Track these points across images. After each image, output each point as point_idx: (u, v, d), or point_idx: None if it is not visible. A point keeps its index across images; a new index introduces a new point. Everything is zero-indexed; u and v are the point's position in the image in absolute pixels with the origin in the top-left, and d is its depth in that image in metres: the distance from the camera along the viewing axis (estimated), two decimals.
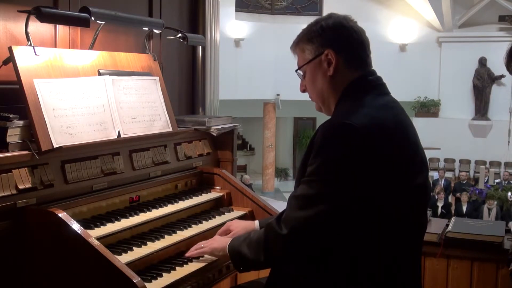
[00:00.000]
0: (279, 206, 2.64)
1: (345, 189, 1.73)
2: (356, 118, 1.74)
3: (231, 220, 2.67)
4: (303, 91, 2.03)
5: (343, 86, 1.90)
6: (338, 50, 1.89)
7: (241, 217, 2.74)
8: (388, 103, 1.89)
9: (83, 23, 2.33)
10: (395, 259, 1.83)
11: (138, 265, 2.07)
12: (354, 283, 1.79)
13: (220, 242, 2.17)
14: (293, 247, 1.82)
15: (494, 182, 12.94)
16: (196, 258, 2.25)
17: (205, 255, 2.25)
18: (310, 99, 2.05)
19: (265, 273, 2.94)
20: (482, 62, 16.44)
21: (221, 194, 2.88)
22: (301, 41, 1.97)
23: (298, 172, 1.91)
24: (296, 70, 2.00)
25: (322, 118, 1.85)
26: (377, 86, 1.92)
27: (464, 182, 13.42)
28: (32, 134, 2.09)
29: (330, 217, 1.75)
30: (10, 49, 2.14)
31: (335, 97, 1.92)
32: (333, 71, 1.89)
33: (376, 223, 1.77)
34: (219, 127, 3.10)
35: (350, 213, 1.75)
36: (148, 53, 2.91)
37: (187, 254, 2.23)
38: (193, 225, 2.50)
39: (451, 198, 12.70)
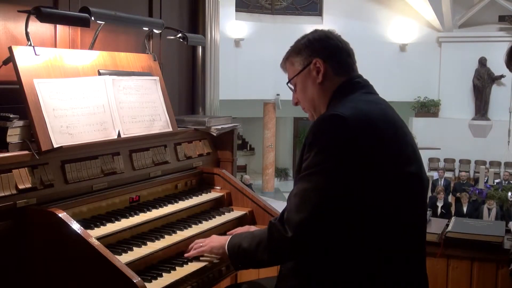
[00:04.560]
0: (279, 206, 2.64)
1: (340, 177, 1.76)
2: (343, 110, 1.82)
3: (231, 220, 2.69)
4: (296, 104, 2.12)
5: (332, 91, 1.99)
6: (325, 58, 2.00)
7: (241, 217, 2.74)
8: (375, 100, 1.98)
9: (83, 23, 2.33)
10: (396, 248, 1.84)
11: (138, 265, 2.07)
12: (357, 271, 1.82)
13: (218, 240, 2.20)
14: (300, 248, 1.84)
15: (494, 182, 12.93)
16: (196, 258, 2.25)
17: (205, 255, 2.25)
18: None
19: (265, 273, 2.94)
20: (482, 62, 16.42)
21: (221, 194, 2.88)
22: (290, 56, 2.08)
23: (295, 172, 1.93)
24: (287, 83, 2.09)
25: None
26: (364, 86, 2.01)
27: (464, 182, 13.42)
28: (32, 134, 2.09)
29: (330, 207, 1.77)
30: (10, 49, 2.14)
31: (325, 102, 2.00)
32: (322, 78, 1.99)
33: (372, 210, 1.79)
34: (219, 127, 3.10)
35: (348, 202, 1.77)
36: (148, 53, 2.91)
37: (187, 255, 2.24)
38: (193, 225, 2.50)
39: (451, 198, 12.70)
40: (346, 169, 1.76)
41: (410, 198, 1.88)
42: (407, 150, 1.91)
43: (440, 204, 11.17)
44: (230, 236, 2.12)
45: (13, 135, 2.05)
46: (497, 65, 15.64)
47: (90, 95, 2.37)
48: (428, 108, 17.04)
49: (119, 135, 2.45)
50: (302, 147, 1.88)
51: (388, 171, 1.81)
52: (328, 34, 2.05)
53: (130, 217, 2.31)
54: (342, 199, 1.77)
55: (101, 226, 2.17)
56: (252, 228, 2.42)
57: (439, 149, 16.20)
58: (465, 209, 11.41)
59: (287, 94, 2.12)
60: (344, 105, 1.87)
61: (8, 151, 2.02)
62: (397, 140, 1.89)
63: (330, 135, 1.79)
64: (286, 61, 2.09)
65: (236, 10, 15.73)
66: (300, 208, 1.80)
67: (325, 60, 1.99)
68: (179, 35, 3.02)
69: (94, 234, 2.01)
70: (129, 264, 1.95)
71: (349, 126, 1.77)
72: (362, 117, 1.81)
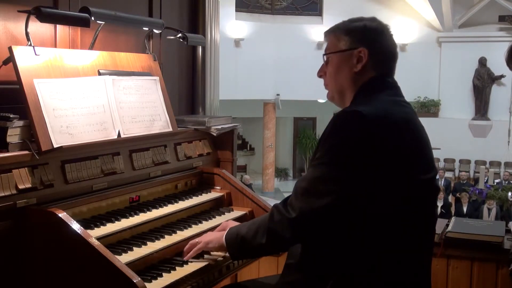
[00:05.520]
0: None
1: (351, 173, 1.77)
2: (366, 108, 1.81)
3: (231, 220, 2.68)
4: (320, 76, 2.07)
5: (362, 82, 1.96)
6: (372, 51, 1.96)
7: (241, 217, 2.74)
8: (400, 102, 1.96)
9: (83, 23, 2.33)
10: (399, 249, 1.84)
11: (138, 265, 2.07)
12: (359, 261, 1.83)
13: (213, 234, 2.21)
14: (301, 230, 1.85)
15: (494, 182, 12.94)
16: (196, 258, 2.25)
17: (205, 255, 2.25)
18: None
19: (265, 272, 2.95)
20: (482, 62, 16.44)
21: (221, 194, 2.88)
22: (340, 30, 2.01)
23: (310, 163, 1.94)
24: (324, 54, 2.04)
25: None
26: (393, 87, 1.99)
27: (464, 182, 13.43)
28: (32, 134, 2.09)
29: (337, 199, 1.78)
30: (10, 49, 2.14)
31: (353, 92, 1.98)
32: (361, 68, 1.95)
33: (377, 211, 1.79)
34: (219, 127, 3.10)
35: (351, 199, 1.77)
36: (148, 53, 2.91)
37: (185, 258, 2.22)
38: (193, 225, 2.50)
39: (451, 198, 12.71)
40: (355, 167, 1.76)
41: (419, 203, 1.87)
42: (426, 156, 1.91)
43: (440, 204, 11.16)
44: (227, 230, 2.13)
45: (13, 135, 2.05)
46: (497, 65, 15.66)
47: (90, 95, 2.37)
48: (428, 108, 17.06)
49: (119, 135, 2.45)
50: (319, 139, 1.89)
51: (400, 174, 1.80)
52: (385, 30, 2.02)
53: (130, 217, 2.31)
54: (346, 195, 1.78)
55: (101, 226, 2.17)
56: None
57: (439, 149, 16.16)
58: (465, 209, 11.43)
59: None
60: (369, 103, 1.85)
61: (8, 151, 2.01)
62: (417, 146, 1.88)
63: (346, 133, 1.79)
64: (332, 33, 2.03)
65: (236, 10, 15.73)
66: (304, 193, 1.83)
67: (371, 54, 1.95)
68: (179, 35, 3.02)
69: (94, 234, 2.01)
70: (129, 264, 1.94)
71: (367, 125, 1.76)
72: (383, 117, 1.81)
